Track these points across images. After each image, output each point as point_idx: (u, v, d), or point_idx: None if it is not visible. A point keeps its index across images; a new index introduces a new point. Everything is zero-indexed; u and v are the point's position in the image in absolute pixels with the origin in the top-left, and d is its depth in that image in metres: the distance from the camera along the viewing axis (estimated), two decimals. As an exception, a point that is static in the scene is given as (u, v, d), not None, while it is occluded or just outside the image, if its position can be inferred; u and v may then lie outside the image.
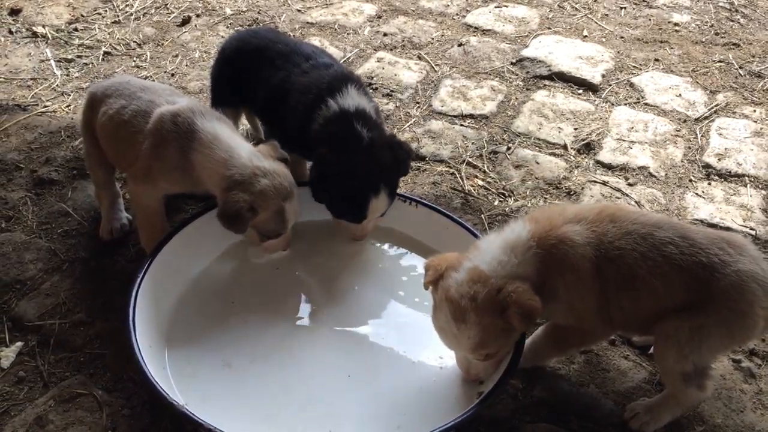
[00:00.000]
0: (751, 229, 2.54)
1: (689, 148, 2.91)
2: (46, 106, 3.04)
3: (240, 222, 2.07)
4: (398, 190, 2.35)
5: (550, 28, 3.62)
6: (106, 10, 3.67)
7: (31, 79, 3.20)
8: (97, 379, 2.05)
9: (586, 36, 3.56)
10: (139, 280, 2.06)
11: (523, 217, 1.89)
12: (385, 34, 3.55)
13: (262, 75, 2.43)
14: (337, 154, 2.16)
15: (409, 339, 2.14)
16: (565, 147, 2.90)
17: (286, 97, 2.33)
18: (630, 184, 2.73)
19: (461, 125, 3.01)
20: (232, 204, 2.05)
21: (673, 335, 1.78)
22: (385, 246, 2.42)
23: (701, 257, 1.77)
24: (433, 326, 1.86)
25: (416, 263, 2.35)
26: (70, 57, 3.34)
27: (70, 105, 3.05)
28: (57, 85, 3.17)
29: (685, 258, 1.77)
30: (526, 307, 1.71)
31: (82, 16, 3.62)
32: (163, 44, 3.46)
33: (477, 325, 1.74)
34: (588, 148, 2.90)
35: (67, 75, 3.24)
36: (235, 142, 2.16)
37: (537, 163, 2.82)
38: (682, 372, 1.83)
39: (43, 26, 3.52)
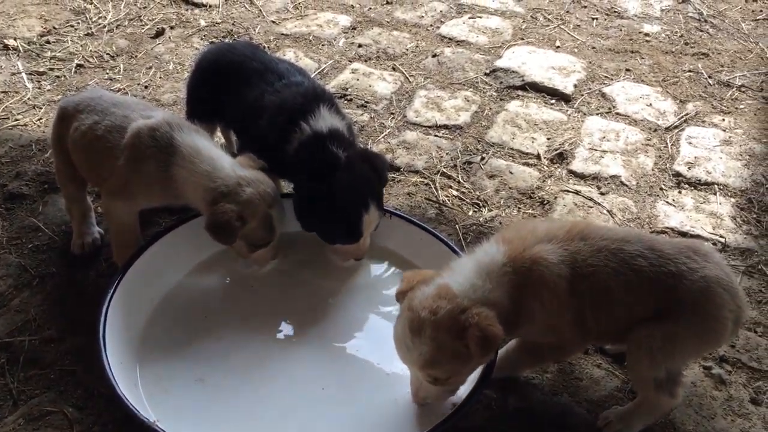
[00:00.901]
0: (721, 236, 2.58)
1: (660, 157, 2.95)
2: (17, 120, 3.01)
3: (230, 233, 2.07)
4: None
5: (523, 39, 3.65)
6: (78, 23, 3.65)
7: (2, 92, 3.17)
8: (68, 397, 2.02)
9: (558, 46, 3.60)
10: (109, 295, 2.04)
11: (495, 237, 1.88)
12: (359, 46, 3.57)
13: (237, 92, 2.42)
14: (318, 179, 2.15)
15: (384, 351, 2.11)
16: (538, 157, 2.93)
17: (260, 117, 2.33)
18: (602, 193, 2.76)
19: (435, 136, 3.03)
20: (220, 215, 2.04)
21: (646, 343, 1.80)
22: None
23: (670, 267, 1.81)
24: (393, 335, 1.83)
25: (390, 274, 2.36)
26: (41, 70, 3.31)
27: (41, 118, 3.02)
28: (28, 98, 3.14)
29: (654, 269, 1.80)
30: (487, 332, 1.67)
31: (55, 28, 3.59)
32: (136, 56, 3.45)
33: (432, 341, 1.70)
34: (561, 157, 2.92)
35: (39, 88, 3.21)
36: (215, 153, 2.17)
37: (510, 173, 2.84)
38: (654, 379, 1.85)
39: (15, 39, 3.48)
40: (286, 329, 2.21)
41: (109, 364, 1.87)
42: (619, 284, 1.80)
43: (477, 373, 1.93)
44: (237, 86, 2.43)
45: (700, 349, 2.00)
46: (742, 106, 3.24)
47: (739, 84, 3.35)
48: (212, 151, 2.17)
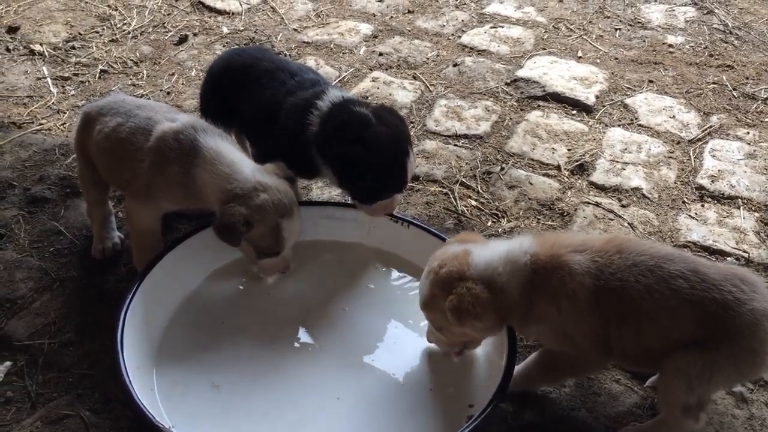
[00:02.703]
0: (744, 251, 2.54)
1: (682, 169, 2.91)
2: (41, 124, 3.05)
3: (233, 234, 2.06)
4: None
5: (544, 49, 3.64)
6: (103, 29, 3.70)
7: (27, 96, 3.21)
8: (85, 400, 2.04)
9: (580, 57, 3.57)
10: (128, 300, 2.05)
11: (537, 235, 1.92)
12: (380, 54, 3.57)
13: (248, 94, 2.44)
14: (354, 139, 2.15)
15: (400, 360, 2.13)
16: (558, 168, 2.90)
17: (276, 117, 2.33)
18: (623, 206, 2.73)
19: (455, 145, 3.02)
20: (228, 216, 2.04)
21: (685, 369, 1.76)
22: (377, 267, 2.41)
23: (714, 293, 1.75)
24: None
25: (407, 283, 2.35)
26: (66, 75, 3.35)
27: (65, 123, 3.06)
28: (53, 103, 3.18)
29: (695, 293, 1.75)
30: (461, 306, 1.77)
31: (80, 34, 3.64)
32: (159, 63, 3.48)
33: (428, 289, 1.88)
34: (581, 169, 2.90)
35: (63, 93, 3.25)
36: (237, 157, 2.17)
37: (530, 183, 2.82)
38: (684, 404, 1.81)
39: (41, 44, 3.54)
40: (302, 337, 2.20)
41: (126, 369, 1.88)
42: (652, 303, 1.76)
43: (493, 385, 1.92)
44: (249, 88, 2.44)
45: (735, 380, 1.97)
46: (767, 120, 3.19)
47: (765, 97, 3.30)
48: (234, 154, 2.17)
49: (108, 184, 2.43)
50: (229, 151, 2.17)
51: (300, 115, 2.27)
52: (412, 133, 3.04)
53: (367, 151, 2.14)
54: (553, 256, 1.81)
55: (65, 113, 3.12)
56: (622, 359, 1.95)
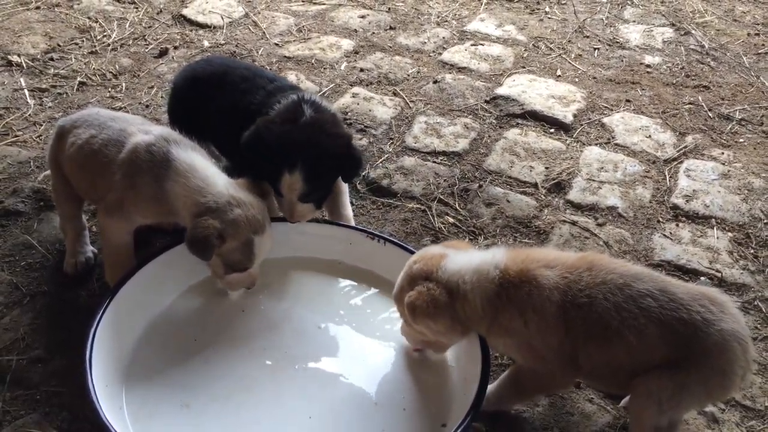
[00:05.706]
0: (717, 271, 2.56)
1: (658, 189, 2.94)
2: (16, 136, 3.02)
3: (206, 248, 2.05)
4: (367, 227, 2.40)
5: (524, 67, 3.66)
6: (83, 40, 3.68)
7: (3, 108, 3.18)
8: (53, 418, 2.01)
9: (559, 76, 3.61)
10: (98, 316, 2.02)
11: (511, 249, 1.95)
12: (361, 70, 3.58)
13: (224, 100, 2.44)
14: (273, 123, 2.20)
15: (374, 378, 2.13)
16: (535, 186, 2.92)
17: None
18: (599, 224, 2.75)
19: (434, 162, 3.03)
20: (201, 229, 2.03)
21: (655, 391, 1.76)
22: (351, 284, 2.40)
23: (682, 313, 1.76)
24: None
25: (382, 301, 2.34)
26: (44, 86, 3.33)
27: (41, 135, 3.03)
28: (29, 115, 3.15)
29: (664, 312, 1.76)
30: (415, 303, 1.86)
31: (59, 45, 3.62)
32: (139, 75, 3.47)
33: (401, 281, 1.97)
34: (558, 187, 2.92)
35: (40, 105, 3.22)
36: (211, 171, 2.16)
37: (508, 201, 2.84)
38: (655, 426, 1.82)
39: (19, 55, 3.51)
40: (275, 355, 2.18)
41: (94, 387, 1.85)
42: (619, 321, 1.77)
43: (467, 405, 1.92)
44: (224, 95, 2.44)
45: (705, 402, 1.98)
46: (741, 140, 3.23)
47: (740, 118, 3.35)
48: (208, 168, 2.16)
49: (82, 199, 2.41)
50: (202, 164, 2.16)
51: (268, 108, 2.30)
52: (390, 149, 3.06)
53: (262, 137, 2.17)
54: (523, 270, 1.84)
55: (41, 125, 3.09)
56: (592, 378, 1.95)
